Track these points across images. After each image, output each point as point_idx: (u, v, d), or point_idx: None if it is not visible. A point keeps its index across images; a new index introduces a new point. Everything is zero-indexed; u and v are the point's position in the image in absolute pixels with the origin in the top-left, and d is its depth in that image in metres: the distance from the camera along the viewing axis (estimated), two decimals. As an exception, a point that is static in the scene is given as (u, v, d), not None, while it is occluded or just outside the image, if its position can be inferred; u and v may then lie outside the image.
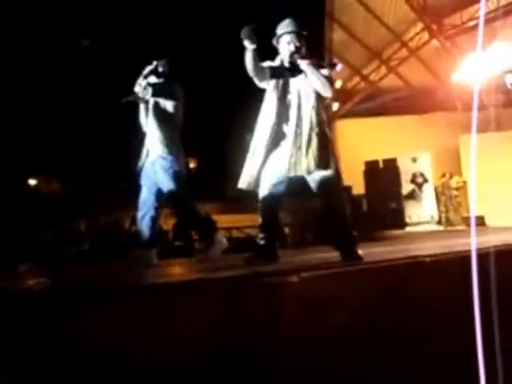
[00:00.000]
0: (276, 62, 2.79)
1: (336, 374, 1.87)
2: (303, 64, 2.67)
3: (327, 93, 2.67)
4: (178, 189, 3.37)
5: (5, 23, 10.04)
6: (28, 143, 13.51)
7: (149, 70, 3.56)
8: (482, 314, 1.39)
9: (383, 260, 2.30)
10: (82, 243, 10.31)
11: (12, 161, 13.23)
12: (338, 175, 2.63)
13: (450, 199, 10.24)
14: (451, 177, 10.32)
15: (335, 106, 12.14)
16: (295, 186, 2.71)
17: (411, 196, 10.53)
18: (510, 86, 10.37)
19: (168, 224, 9.52)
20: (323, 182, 2.58)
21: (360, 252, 2.49)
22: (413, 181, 10.60)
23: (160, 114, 3.52)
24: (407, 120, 11.81)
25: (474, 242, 1.41)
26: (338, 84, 11.15)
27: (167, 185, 3.37)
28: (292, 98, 2.68)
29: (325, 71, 2.69)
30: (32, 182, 16.81)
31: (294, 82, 2.70)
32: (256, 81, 2.73)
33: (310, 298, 1.71)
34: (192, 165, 16.10)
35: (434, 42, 11.39)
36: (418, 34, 11.38)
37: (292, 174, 2.61)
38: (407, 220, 10.31)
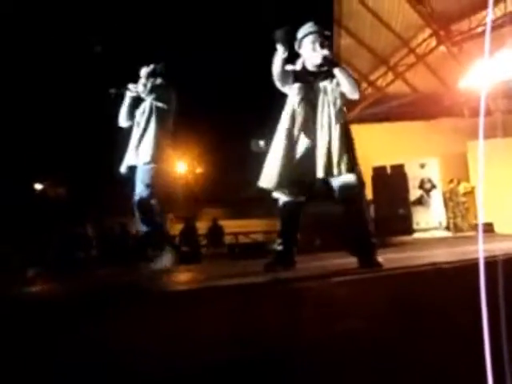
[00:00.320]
0: (297, 66, 2.75)
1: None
2: (334, 66, 2.63)
3: (355, 95, 2.64)
4: (148, 199, 3.34)
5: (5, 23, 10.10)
6: (34, 148, 13.59)
7: (150, 71, 3.53)
8: (494, 322, 1.40)
9: (404, 267, 2.30)
10: (90, 248, 10.31)
11: (18, 165, 13.31)
12: (360, 179, 2.60)
13: (458, 205, 10.22)
14: (459, 183, 10.30)
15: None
16: (315, 191, 2.65)
17: (419, 202, 10.50)
18: (516, 93, 10.37)
19: (174, 229, 9.54)
20: (346, 186, 2.54)
21: (380, 259, 2.48)
22: (421, 187, 10.57)
23: (152, 117, 3.48)
24: (414, 126, 11.79)
25: (481, 249, 1.41)
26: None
27: (139, 192, 3.36)
28: (316, 100, 2.63)
29: (351, 73, 2.67)
30: (38, 186, 16.89)
31: (318, 85, 2.66)
32: (278, 85, 2.69)
33: (336, 303, 1.72)
34: (199, 170, 16.14)
35: (442, 48, 11.40)
36: (425, 40, 11.38)
37: (315, 178, 2.56)
38: (415, 226, 10.26)
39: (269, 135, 2.79)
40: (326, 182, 2.60)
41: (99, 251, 10.24)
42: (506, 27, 10.05)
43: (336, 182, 2.57)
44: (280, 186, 2.60)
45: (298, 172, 2.60)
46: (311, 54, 2.67)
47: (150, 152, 3.40)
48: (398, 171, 10.44)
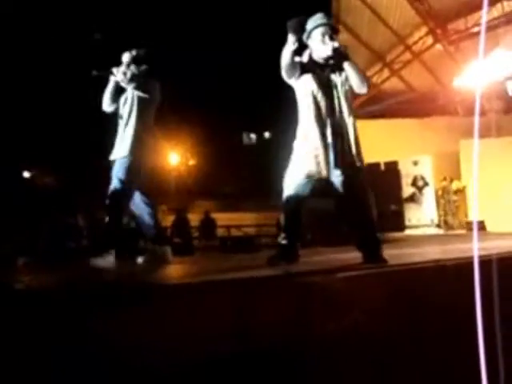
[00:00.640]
0: (304, 58, 2.71)
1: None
2: (345, 59, 2.60)
3: (363, 89, 2.62)
4: (118, 195, 3.22)
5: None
6: (24, 136, 13.41)
7: (130, 59, 3.36)
8: (489, 319, 1.41)
9: (408, 263, 2.31)
10: (81, 239, 10.22)
11: (8, 153, 13.12)
12: (365, 175, 2.60)
13: (449, 203, 10.31)
14: (451, 181, 10.38)
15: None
16: (318, 186, 2.63)
17: (411, 199, 10.57)
18: (510, 93, 10.44)
19: (167, 221, 9.49)
20: (352, 182, 2.54)
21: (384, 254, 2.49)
22: (413, 184, 10.64)
23: (134, 108, 3.35)
24: (408, 123, 11.82)
25: (476, 247, 1.42)
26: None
27: (111, 186, 3.25)
28: (327, 93, 2.59)
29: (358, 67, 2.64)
30: (27, 174, 16.67)
31: (326, 78, 2.63)
32: (285, 76, 2.65)
33: (343, 299, 1.72)
34: (192, 162, 16.05)
35: (438, 47, 11.44)
36: (422, 37, 11.42)
37: (320, 174, 2.53)
38: (407, 223, 10.34)
39: (260, 128, 2.74)
40: (327, 178, 2.58)
41: (90, 241, 10.14)
42: (502, 28, 10.15)
43: (341, 177, 2.55)
44: (303, 180, 2.57)
45: (302, 168, 2.58)
46: (320, 46, 2.63)
47: (128, 146, 3.26)
48: (392, 168, 10.49)
